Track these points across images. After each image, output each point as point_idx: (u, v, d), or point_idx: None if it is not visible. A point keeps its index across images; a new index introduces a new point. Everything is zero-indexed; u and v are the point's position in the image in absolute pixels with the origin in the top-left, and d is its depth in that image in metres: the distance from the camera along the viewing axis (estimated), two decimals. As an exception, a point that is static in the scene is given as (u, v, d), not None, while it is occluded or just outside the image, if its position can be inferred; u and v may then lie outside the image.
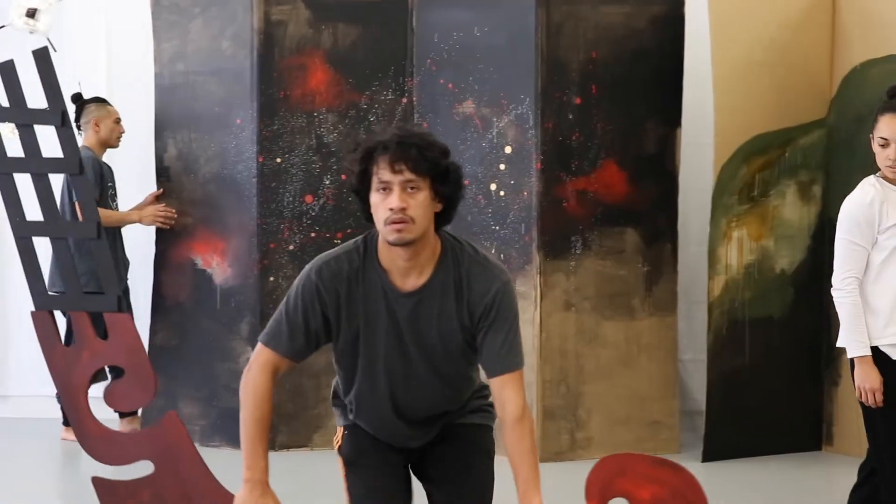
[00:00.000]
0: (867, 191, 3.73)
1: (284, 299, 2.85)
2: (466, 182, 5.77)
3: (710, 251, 5.88)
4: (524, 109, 5.62)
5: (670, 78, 5.88)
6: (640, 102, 5.86)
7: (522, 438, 2.76)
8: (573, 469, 5.66)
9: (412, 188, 2.69)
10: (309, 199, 5.91)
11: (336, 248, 2.87)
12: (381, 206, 2.71)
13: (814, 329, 6.07)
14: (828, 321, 6.03)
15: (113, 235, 5.80)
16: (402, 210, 2.68)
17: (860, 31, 5.89)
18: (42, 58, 2.89)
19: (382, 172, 2.69)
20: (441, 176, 2.73)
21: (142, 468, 3.00)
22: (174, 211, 6.06)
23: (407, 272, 2.78)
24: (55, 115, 2.91)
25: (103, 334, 2.96)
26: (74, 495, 5.09)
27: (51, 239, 3.00)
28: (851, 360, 3.76)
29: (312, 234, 5.89)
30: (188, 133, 6.07)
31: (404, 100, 5.95)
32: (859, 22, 5.89)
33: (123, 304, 2.93)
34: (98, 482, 2.93)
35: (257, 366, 2.84)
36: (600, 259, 5.82)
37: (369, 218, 2.78)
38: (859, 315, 3.73)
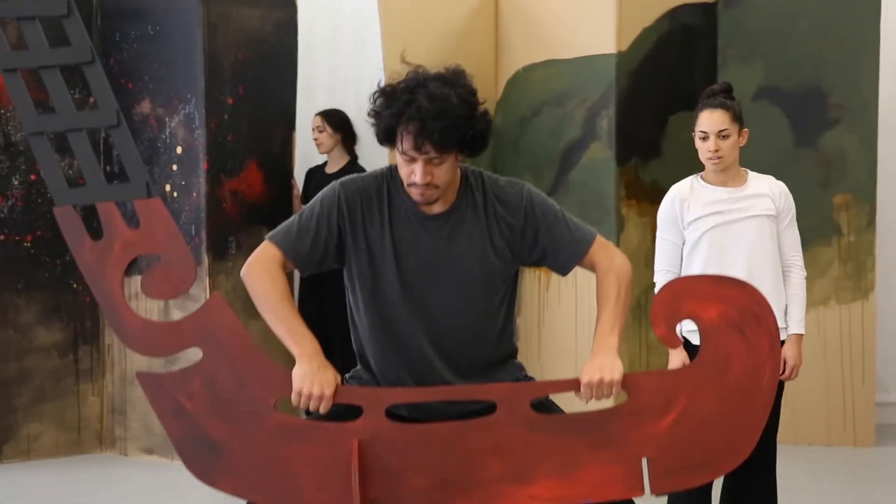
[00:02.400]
0: (672, 190, 3.89)
1: (309, 206, 2.73)
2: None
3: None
4: (191, 109, 5.59)
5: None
6: (270, 105, 5.97)
7: (603, 283, 2.71)
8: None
9: (437, 162, 2.58)
10: (-4, 200, 5.66)
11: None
12: (405, 170, 2.61)
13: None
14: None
15: None
16: (427, 183, 2.60)
17: (521, 36, 6.17)
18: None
19: (406, 145, 2.57)
20: (468, 142, 2.60)
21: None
22: None
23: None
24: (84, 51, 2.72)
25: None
26: None
27: (67, 133, 2.75)
28: None
29: (1, 238, 5.65)
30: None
31: (92, 99, 5.77)
32: (521, 28, 6.17)
33: (153, 189, 2.67)
34: (143, 377, 2.71)
35: (263, 255, 2.70)
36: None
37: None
38: None
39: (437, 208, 2.70)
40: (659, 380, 2.74)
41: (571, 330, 6.03)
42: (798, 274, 3.88)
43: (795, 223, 3.92)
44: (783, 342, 3.82)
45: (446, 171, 2.62)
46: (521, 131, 6.21)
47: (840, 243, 6.04)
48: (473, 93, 2.62)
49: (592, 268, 2.75)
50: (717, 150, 3.78)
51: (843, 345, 6.07)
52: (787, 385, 5.85)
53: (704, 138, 3.81)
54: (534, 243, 2.73)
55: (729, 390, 2.68)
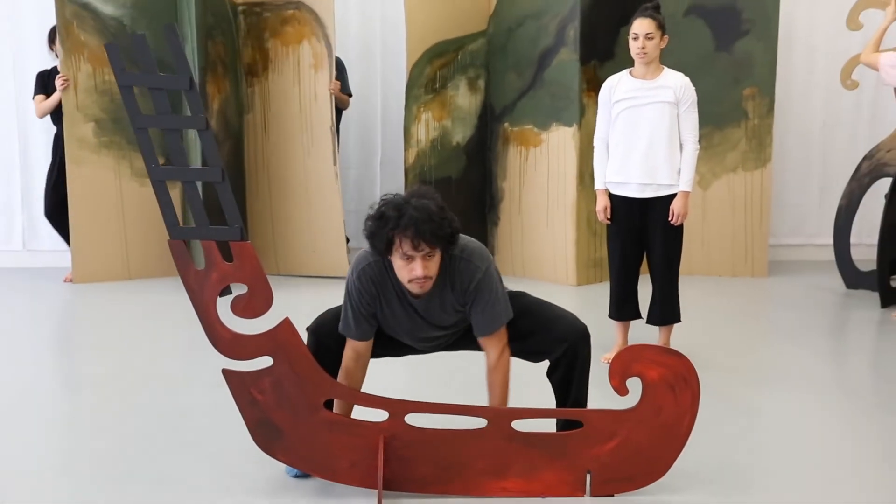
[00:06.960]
0: (608, 80, 4.47)
1: (346, 295, 3.09)
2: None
3: (405, 130, 6.76)
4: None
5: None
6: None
7: (494, 380, 3.10)
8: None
9: (429, 256, 2.93)
10: None
11: (367, 251, 3.06)
12: (405, 270, 2.93)
13: (480, 185, 7.01)
14: (490, 179, 7.00)
15: None
16: (426, 276, 2.95)
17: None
18: (171, 31, 2.83)
19: (405, 248, 2.89)
20: (448, 238, 2.94)
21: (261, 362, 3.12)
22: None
23: None
24: (184, 80, 2.86)
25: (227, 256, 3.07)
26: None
27: (182, 182, 2.98)
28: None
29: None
30: None
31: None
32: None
33: (245, 233, 2.92)
34: (228, 373, 3.05)
35: (346, 354, 3.13)
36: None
37: (385, 258, 3.00)
38: (599, 163, 4.49)
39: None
40: (607, 417, 3.01)
41: (544, 191, 6.73)
42: (690, 147, 4.39)
43: (695, 109, 4.40)
44: (675, 195, 4.44)
45: (436, 264, 2.95)
46: (508, 38, 6.86)
47: (747, 126, 6.83)
48: (441, 203, 2.94)
49: (484, 348, 3.13)
50: (643, 48, 4.32)
51: (746, 201, 6.94)
52: (702, 230, 6.45)
53: (635, 39, 4.36)
54: (463, 308, 3.10)
55: (657, 430, 3.00)
